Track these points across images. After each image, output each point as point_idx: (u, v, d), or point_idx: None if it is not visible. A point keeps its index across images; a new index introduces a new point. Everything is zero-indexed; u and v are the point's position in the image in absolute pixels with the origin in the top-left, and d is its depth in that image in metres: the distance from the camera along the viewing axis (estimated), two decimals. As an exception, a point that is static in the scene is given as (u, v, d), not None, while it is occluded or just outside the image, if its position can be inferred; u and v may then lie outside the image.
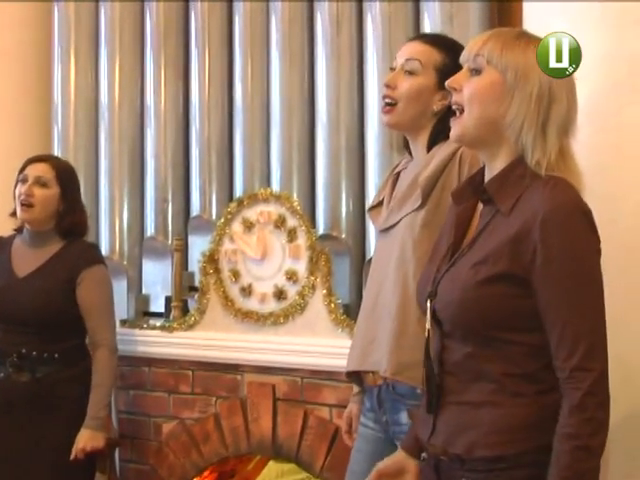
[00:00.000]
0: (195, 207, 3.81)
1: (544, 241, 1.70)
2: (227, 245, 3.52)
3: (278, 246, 3.41)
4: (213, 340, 3.54)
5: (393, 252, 2.36)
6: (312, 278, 3.32)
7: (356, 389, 2.58)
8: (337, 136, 3.44)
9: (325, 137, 3.46)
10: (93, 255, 3.42)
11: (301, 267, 3.35)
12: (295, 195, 3.49)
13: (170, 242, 3.82)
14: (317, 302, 3.31)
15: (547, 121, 1.76)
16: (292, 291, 3.37)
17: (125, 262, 3.95)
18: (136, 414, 3.75)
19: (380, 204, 2.53)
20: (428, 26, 3.21)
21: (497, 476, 1.74)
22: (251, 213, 3.47)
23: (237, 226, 3.50)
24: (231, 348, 3.50)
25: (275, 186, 3.54)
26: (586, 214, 1.75)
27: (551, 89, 1.77)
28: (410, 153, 2.49)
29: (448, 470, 1.83)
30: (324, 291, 3.29)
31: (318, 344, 3.28)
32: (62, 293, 3.30)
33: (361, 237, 3.41)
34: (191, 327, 3.59)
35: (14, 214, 3.40)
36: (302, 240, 3.35)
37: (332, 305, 3.28)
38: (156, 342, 3.67)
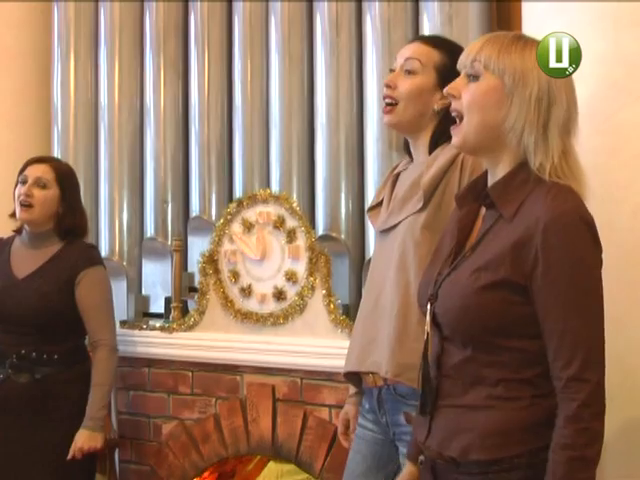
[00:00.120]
0: (195, 208, 3.81)
1: (545, 250, 1.70)
2: (227, 246, 3.52)
3: (277, 247, 3.42)
4: (213, 341, 3.54)
5: (393, 254, 2.36)
6: (311, 279, 3.32)
7: (352, 390, 2.58)
8: (336, 137, 3.44)
9: (324, 138, 3.46)
10: (92, 256, 3.43)
11: (301, 268, 3.35)
12: (294, 196, 3.50)
13: (170, 243, 3.83)
14: (317, 303, 3.32)
15: (548, 122, 1.76)
16: (292, 292, 3.38)
17: (125, 263, 3.95)
18: (136, 415, 3.75)
19: (379, 205, 2.53)
20: (427, 27, 3.21)
21: (492, 479, 1.74)
22: (250, 214, 3.47)
23: (237, 227, 3.50)
24: (231, 349, 3.50)
25: (274, 187, 3.55)
26: (588, 224, 1.74)
27: (550, 90, 1.77)
28: (410, 155, 2.49)
29: (444, 472, 1.83)
30: (324, 292, 3.29)
31: (318, 345, 3.28)
32: (61, 294, 3.30)
33: (361, 238, 3.41)
34: (191, 328, 3.59)
35: (13, 215, 3.40)
36: (301, 241, 3.35)
37: (331, 306, 3.28)
38: (156, 343, 3.67)
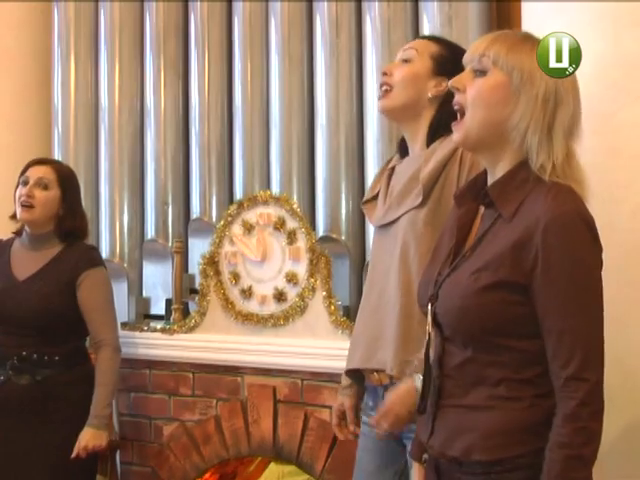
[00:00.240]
0: (195, 209, 3.81)
1: (545, 249, 1.69)
2: (227, 247, 3.52)
3: (278, 248, 3.41)
4: (213, 342, 3.54)
5: (394, 250, 2.36)
6: (312, 280, 3.31)
7: (346, 382, 2.56)
8: (337, 138, 3.44)
9: (325, 139, 3.46)
10: (93, 257, 3.43)
11: (301, 269, 3.35)
12: (295, 197, 3.49)
13: (170, 244, 3.83)
14: (317, 304, 3.31)
15: (553, 123, 1.75)
16: (292, 293, 3.37)
17: (125, 265, 3.96)
18: (137, 416, 3.75)
19: (374, 198, 2.52)
20: (427, 27, 3.20)
21: (494, 479, 1.74)
22: (251, 215, 3.47)
23: (237, 228, 3.50)
24: (231, 350, 3.50)
25: (275, 188, 3.54)
26: (589, 224, 1.74)
27: (557, 92, 1.76)
28: (402, 153, 2.49)
29: (447, 471, 1.83)
30: (324, 293, 3.29)
31: (318, 346, 3.27)
32: (62, 296, 3.30)
33: (361, 239, 3.41)
34: (191, 329, 3.59)
35: (14, 217, 3.40)
36: (302, 242, 3.35)
37: (332, 307, 3.28)
38: (157, 344, 3.67)
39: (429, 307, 1.86)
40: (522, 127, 1.76)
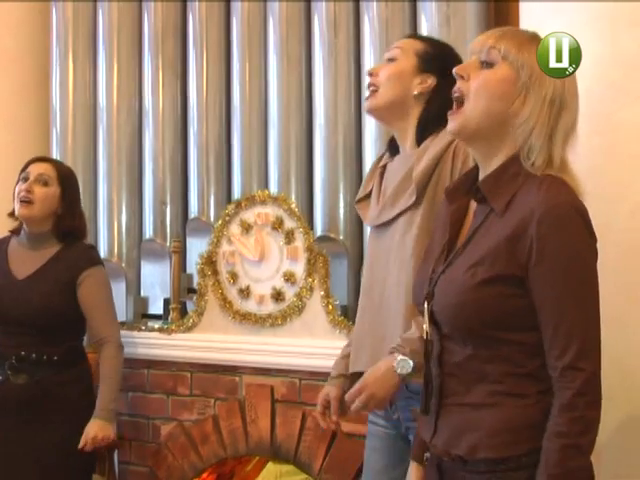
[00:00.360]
0: (193, 209, 3.82)
1: (540, 240, 1.70)
2: (225, 247, 3.52)
3: (276, 248, 3.42)
4: (211, 342, 3.54)
5: (391, 250, 2.36)
6: (310, 280, 3.32)
7: (335, 372, 2.55)
8: (335, 137, 3.44)
9: (323, 138, 3.46)
10: (92, 256, 3.43)
11: (299, 269, 3.35)
12: (293, 197, 3.50)
13: (168, 244, 3.83)
14: (315, 304, 3.32)
15: (556, 126, 1.76)
16: (290, 293, 3.38)
17: (124, 264, 3.96)
18: (135, 416, 3.75)
19: (367, 196, 2.52)
20: (425, 27, 3.21)
21: (499, 477, 1.74)
22: (249, 215, 3.47)
23: (235, 228, 3.50)
24: (229, 350, 3.50)
25: (273, 188, 3.55)
26: (582, 214, 1.74)
27: (563, 96, 1.76)
28: (392, 151, 2.49)
29: (450, 470, 1.83)
30: (322, 292, 3.29)
31: (316, 345, 3.27)
32: (62, 295, 3.30)
33: (359, 238, 3.41)
34: (189, 329, 3.60)
35: (12, 214, 3.40)
36: (300, 242, 3.36)
37: (330, 306, 3.28)
38: (155, 344, 3.67)
39: (425, 305, 1.86)
40: (528, 127, 1.76)
